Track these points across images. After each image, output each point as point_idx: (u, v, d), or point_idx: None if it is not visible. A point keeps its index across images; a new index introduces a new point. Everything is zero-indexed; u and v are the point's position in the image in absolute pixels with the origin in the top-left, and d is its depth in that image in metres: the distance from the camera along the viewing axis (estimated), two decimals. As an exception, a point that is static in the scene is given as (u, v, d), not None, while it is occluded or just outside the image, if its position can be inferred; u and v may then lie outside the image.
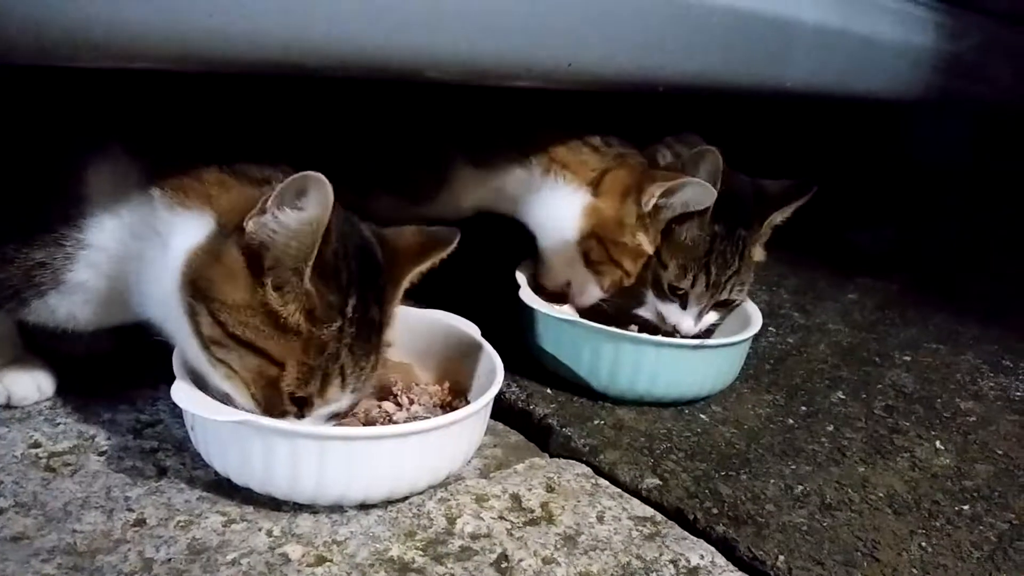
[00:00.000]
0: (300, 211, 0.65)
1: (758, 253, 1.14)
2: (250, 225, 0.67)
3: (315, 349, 0.69)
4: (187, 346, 0.71)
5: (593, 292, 1.10)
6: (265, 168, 0.74)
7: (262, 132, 0.79)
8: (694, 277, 1.07)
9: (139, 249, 0.72)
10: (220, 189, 0.71)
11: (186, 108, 0.79)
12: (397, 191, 1.08)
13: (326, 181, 0.64)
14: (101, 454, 0.79)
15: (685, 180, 1.01)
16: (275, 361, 0.68)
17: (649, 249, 1.07)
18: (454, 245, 0.79)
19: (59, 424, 0.83)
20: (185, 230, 0.70)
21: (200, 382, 0.72)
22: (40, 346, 0.87)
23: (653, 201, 1.03)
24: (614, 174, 1.05)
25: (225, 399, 0.71)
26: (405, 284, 0.78)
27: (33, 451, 0.78)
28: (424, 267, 0.78)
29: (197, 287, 0.68)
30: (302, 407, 0.71)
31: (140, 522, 0.70)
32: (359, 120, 1.05)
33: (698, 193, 1.02)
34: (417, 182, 1.09)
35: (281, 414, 0.70)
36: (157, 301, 0.72)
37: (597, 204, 1.05)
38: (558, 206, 1.07)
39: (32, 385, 0.85)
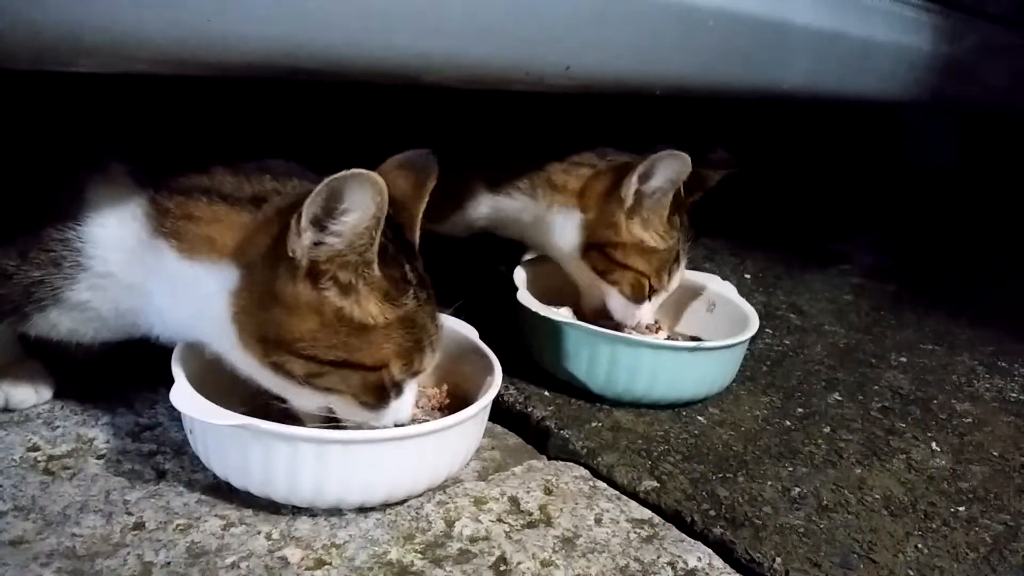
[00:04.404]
0: (346, 215, 0.63)
1: None
2: (297, 251, 0.65)
3: (407, 327, 0.70)
4: (284, 389, 0.72)
5: (620, 303, 1.09)
6: (252, 182, 0.71)
7: (295, 148, 0.78)
8: None
9: (161, 291, 0.71)
10: (221, 228, 0.68)
11: (184, 122, 0.78)
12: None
13: (368, 175, 0.62)
14: (100, 457, 0.79)
15: (656, 157, 0.99)
16: (371, 368, 0.69)
17: (655, 242, 1.06)
18: (436, 167, 0.78)
19: (58, 427, 0.83)
20: (211, 286, 0.68)
21: (201, 383, 0.72)
22: (39, 348, 0.87)
23: (632, 189, 1.02)
24: (593, 181, 1.06)
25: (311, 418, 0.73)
26: (418, 226, 0.78)
27: (32, 454, 0.78)
28: (424, 203, 0.78)
29: (269, 341, 0.67)
30: (401, 384, 0.73)
31: (139, 525, 0.70)
32: (387, 136, 1.04)
33: (676, 164, 0.99)
34: (438, 200, 1.10)
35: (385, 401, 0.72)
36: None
37: (585, 216, 1.06)
38: (564, 229, 1.08)
39: (30, 388, 0.85)
